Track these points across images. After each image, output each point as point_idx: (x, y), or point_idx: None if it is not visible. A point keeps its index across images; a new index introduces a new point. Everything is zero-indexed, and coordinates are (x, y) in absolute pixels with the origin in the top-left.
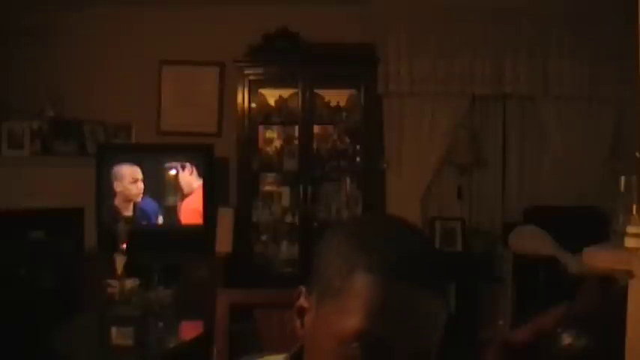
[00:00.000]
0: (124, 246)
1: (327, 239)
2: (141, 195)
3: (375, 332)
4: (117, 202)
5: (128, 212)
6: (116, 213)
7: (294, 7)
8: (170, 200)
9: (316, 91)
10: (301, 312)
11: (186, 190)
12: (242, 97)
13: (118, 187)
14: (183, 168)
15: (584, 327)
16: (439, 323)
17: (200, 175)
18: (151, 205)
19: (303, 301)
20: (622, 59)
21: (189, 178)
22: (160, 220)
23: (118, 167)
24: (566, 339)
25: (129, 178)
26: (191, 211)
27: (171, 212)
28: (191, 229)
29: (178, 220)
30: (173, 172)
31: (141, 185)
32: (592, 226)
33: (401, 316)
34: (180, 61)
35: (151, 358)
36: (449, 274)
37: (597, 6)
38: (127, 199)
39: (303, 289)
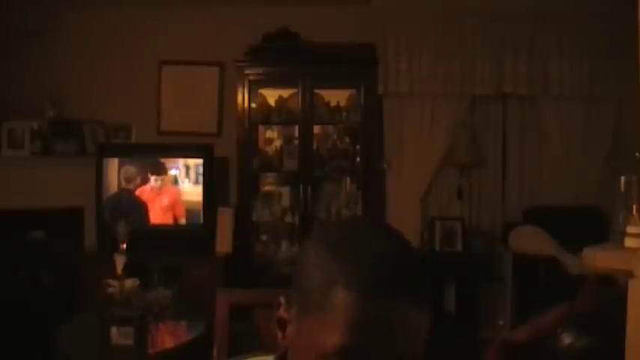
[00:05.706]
0: (124, 246)
1: (307, 249)
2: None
3: (355, 348)
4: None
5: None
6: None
7: (294, 7)
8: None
9: (316, 91)
10: (282, 323)
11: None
12: (242, 97)
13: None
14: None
15: (584, 327)
16: (421, 330)
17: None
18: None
19: (283, 313)
20: (622, 59)
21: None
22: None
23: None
24: (566, 339)
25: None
26: (191, 211)
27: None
28: (191, 229)
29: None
30: (173, 172)
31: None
32: (592, 226)
33: (381, 331)
34: (180, 61)
35: (151, 358)
36: (427, 278)
37: (597, 6)
38: None
39: (282, 299)
